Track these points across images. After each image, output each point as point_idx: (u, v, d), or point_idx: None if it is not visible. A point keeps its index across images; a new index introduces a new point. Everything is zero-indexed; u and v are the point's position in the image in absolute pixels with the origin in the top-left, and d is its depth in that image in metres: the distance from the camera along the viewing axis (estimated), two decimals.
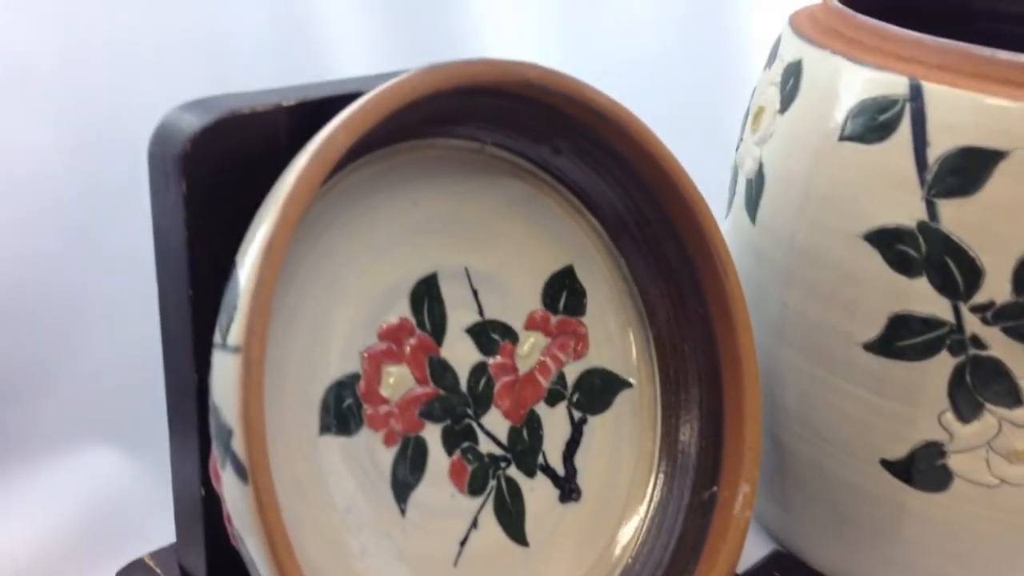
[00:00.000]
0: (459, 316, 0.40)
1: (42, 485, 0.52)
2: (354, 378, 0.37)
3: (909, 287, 0.40)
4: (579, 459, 0.43)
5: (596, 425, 0.43)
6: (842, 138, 0.41)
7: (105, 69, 0.59)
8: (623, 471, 0.44)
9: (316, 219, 0.36)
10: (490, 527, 0.40)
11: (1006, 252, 0.38)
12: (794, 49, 0.45)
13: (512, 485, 0.41)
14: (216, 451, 0.31)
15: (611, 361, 0.44)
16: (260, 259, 0.30)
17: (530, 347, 0.42)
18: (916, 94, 0.39)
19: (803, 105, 0.44)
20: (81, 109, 0.58)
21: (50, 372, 0.56)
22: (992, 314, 0.39)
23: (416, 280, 0.39)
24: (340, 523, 0.36)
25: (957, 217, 0.39)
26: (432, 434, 0.39)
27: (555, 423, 0.42)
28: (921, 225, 0.39)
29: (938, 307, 0.40)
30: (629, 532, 0.44)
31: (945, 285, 0.39)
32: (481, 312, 0.41)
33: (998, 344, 0.39)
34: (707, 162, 0.51)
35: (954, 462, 0.42)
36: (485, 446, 0.40)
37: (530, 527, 0.41)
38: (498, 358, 0.41)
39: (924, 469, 0.42)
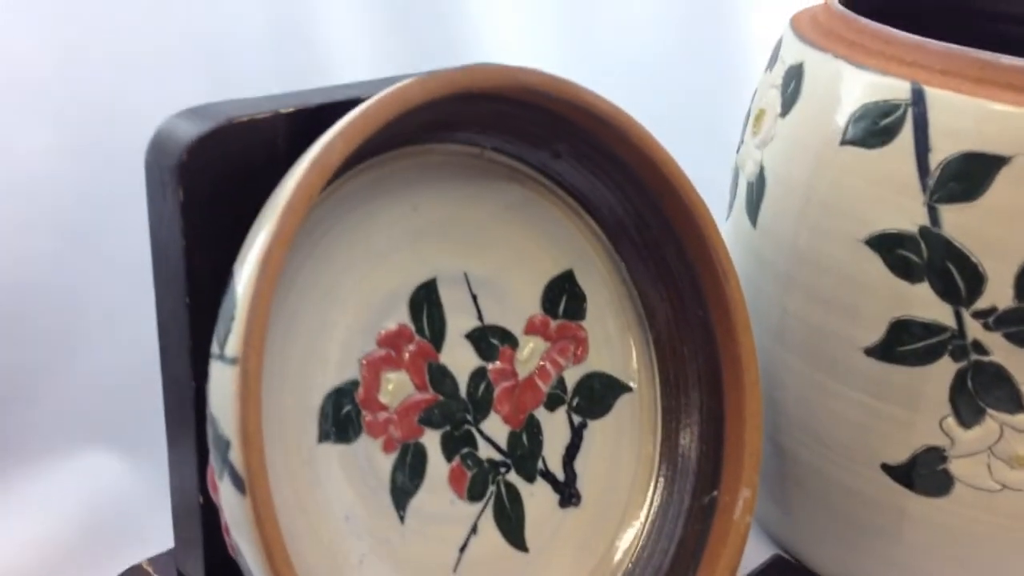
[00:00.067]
0: (458, 321, 0.40)
1: (40, 488, 0.52)
2: (353, 385, 0.37)
3: (910, 292, 0.40)
4: (579, 464, 0.43)
5: (596, 429, 0.43)
6: (844, 142, 0.41)
7: (105, 70, 0.59)
8: (623, 475, 0.44)
9: (314, 226, 0.36)
10: (490, 533, 0.40)
11: (1008, 258, 0.38)
12: (795, 52, 0.45)
13: (512, 490, 0.41)
14: (214, 462, 0.31)
15: (611, 365, 0.44)
16: (257, 270, 0.29)
17: (530, 352, 0.42)
18: (918, 99, 0.39)
19: (804, 109, 0.44)
20: (81, 110, 0.58)
21: (49, 374, 0.56)
22: (994, 320, 0.39)
23: (415, 286, 0.39)
24: (339, 531, 0.36)
25: (959, 222, 0.39)
26: (431, 440, 0.39)
27: (555, 428, 0.42)
28: (923, 230, 0.39)
29: (940, 312, 0.40)
30: (629, 537, 0.43)
31: (947, 290, 0.39)
32: (480, 317, 0.40)
33: (1000, 350, 0.39)
34: (707, 163, 0.51)
35: (955, 467, 0.41)
36: (484, 452, 0.40)
37: (530, 532, 0.41)
38: (497, 363, 0.41)
39: (925, 474, 0.42)
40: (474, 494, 0.40)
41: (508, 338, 0.41)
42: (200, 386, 0.35)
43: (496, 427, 0.41)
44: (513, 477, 0.41)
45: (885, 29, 0.42)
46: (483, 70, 0.34)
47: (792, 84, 0.44)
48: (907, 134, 0.39)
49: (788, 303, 0.45)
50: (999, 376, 0.39)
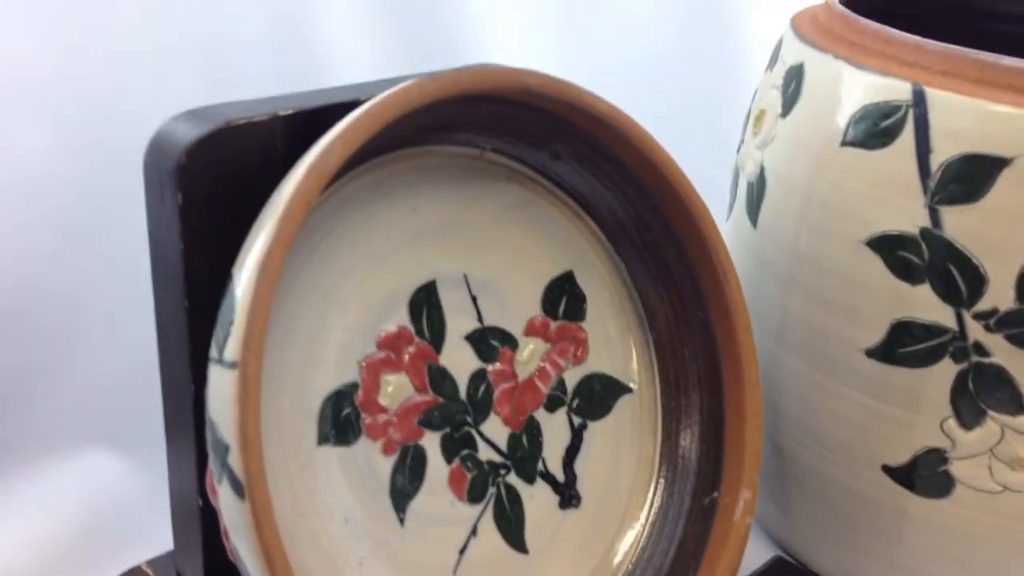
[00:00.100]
0: (458, 323, 0.40)
1: (40, 488, 0.52)
2: (352, 387, 0.37)
3: (911, 294, 0.40)
4: (579, 465, 0.43)
5: (596, 431, 0.43)
6: (844, 143, 0.41)
7: (105, 70, 0.59)
8: (623, 477, 0.44)
9: (314, 228, 0.36)
10: (489, 535, 0.40)
11: (1009, 259, 0.38)
12: (796, 52, 0.45)
13: (512, 492, 0.41)
14: (212, 465, 0.31)
15: (611, 366, 0.44)
16: (256, 274, 0.29)
17: (530, 353, 0.42)
18: (919, 100, 0.39)
19: (805, 109, 0.44)
20: (81, 110, 0.58)
21: (49, 374, 0.56)
22: (995, 321, 0.39)
23: (415, 288, 0.39)
24: (338, 534, 0.36)
25: (960, 224, 0.38)
26: (431, 442, 0.39)
27: (555, 429, 0.42)
28: (924, 232, 0.39)
29: (941, 314, 0.40)
30: (629, 538, 0.43)
31: (948, 292, 0.39)
32: (480, 319, 0.40)
33: (1001, 351, 0.39)
34: (707, 163, 0.50)
35: (956, 468, 0.41)
36: (484, 453, 0.40)
37: (530, 534, 0.41)
38: (497, 365, 0.41)
39: (926, 475, 0.42)
40: (474, 496, 0.40)
41: (508, 339, 0.41)
42: (199, 389, 0.35)
43: (496, 429, 0.40)
44: (513, 479, 0.41)
45: (885, 29, 0.41)
46: (483, 72, 0.34)
47: (792, 84, 0.44)
48: (908, 135, 0.39)
49: (788, 304, 0.45)
50: (1000, 378, 0.39)
